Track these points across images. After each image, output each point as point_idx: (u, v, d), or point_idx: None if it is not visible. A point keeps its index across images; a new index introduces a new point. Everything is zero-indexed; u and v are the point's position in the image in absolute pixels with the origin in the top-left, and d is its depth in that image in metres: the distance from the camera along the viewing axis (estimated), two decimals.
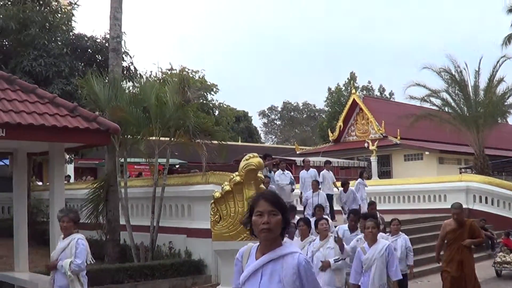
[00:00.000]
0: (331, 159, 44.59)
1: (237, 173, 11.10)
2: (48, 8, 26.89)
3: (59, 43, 25.84)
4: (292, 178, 22.71)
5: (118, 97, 19.71)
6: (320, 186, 21.84)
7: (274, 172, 22.12)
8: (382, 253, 10.28)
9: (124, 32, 24.98)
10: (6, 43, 25.82)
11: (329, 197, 22.62)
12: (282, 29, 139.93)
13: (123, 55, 25.53)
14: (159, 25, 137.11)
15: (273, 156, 24.39)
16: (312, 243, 11.62)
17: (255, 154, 11.43)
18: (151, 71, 54.49)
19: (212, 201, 11.01)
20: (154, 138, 20.46)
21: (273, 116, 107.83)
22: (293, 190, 22.45)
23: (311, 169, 23.71)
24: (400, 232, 14.28)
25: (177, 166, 43.90)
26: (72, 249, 9.93)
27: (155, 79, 38.80)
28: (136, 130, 20.03)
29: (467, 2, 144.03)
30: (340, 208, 23.29)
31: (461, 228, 13.01)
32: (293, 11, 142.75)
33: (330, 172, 24.46)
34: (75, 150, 22.04)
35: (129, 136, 20.21)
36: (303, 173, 23.72)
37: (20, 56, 24.28)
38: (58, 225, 13.74)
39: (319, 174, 23.49)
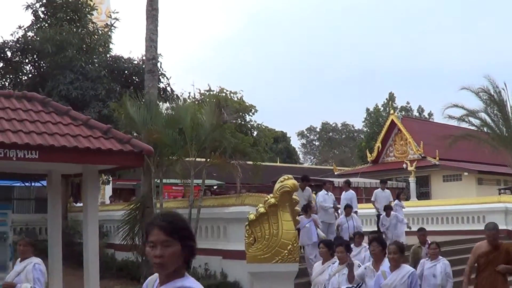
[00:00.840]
0: (369, 180, 44.22)
1: (271, 195, 10.95)
2: (85, 30, 27.13)
3: (96, 65, 26.03)
4: (334, 199, 22.43)
5: (154, 119, 19.68)
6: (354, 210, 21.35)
7: (315, 193, 21.88)
8: (404, 280, 9.51)
9: (160, 54, 25.12)
10: (43, 65, 26.08)
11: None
12: (321, 49, 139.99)
13: (160, 77, 25.65)
14: (197, 45, 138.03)
15: (312, 178, 24.12)
16: (331, 266, 11.26)
17: (290, 176, 11.28)
18: (189, 92, 54.76)
19: (247, 223, 10.86)
20: (190, 159, 20.38)
21: (311, 137, 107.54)
22: (336, 210, 22.04)
23: (350, 190, 23.24)
24: (440, 257, 13.57)
25: (214, 187, 43.84)
26: (28, 274, 9.73)
27: (193, 100, 38.84)
28: (172, 152, 19.98)
29: (505, 23, 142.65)
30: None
31: (496, 251, 11.61)
32: (332, 31, 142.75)
33: (387, 191, 24.03)
34: (112, 171, 22.06)
35: (165, 157, 20.15)
36: (342, 194, 23.34)
37: (57, 79, 24.46)
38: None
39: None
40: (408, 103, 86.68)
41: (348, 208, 20.71)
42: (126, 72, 26.68)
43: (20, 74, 26.30)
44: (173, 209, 21.06)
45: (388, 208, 22.06)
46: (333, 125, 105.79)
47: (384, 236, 21.25)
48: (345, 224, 20.27)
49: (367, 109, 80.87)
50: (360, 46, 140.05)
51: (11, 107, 13.32)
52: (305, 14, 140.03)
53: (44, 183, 26.13)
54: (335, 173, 55.94)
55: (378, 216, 22.92)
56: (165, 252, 3.62)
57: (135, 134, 20.22)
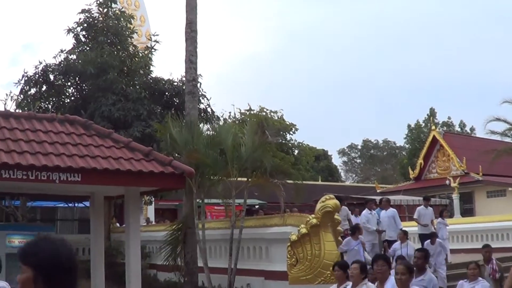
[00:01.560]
0: (412, 198, 43.76)
1: (313, 215, 10.88)
2: (126, 52, 27.40)
3: (137, 87, 26.24)
4: (379, 217, 22.08)
5: (195, 140, 19.74)
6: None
7: (355, 212, 21.65)
8: None
9: (200, 75, 25.24)
10: (85, 87, 26.38)
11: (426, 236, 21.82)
12: (361, 66, 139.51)
13: (200, 98, 25.75)
14: (237, 64, 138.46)
15: (353, 196, 23.85)
16: None
17: (331, 196, 11.24)
18: (229, 112, 54.93)
19: (289, 244, 10.81)
20: (231, 179, 20.37)
21: (353, 154, 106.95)
22: (379, 230, 21.71)
23: (390, 208, 22.77)
24: (480, 278, 12.50)
25: (256, 206, 43.78)
26: None
27: (234, 120, 38.96)
28: (213, 172, 20.00)
29: None
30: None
31: None
32: (371, 48, 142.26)
33: (430, 208, 23.57)
34: (154, 193, 22.17)
35: (206, 178, 20.18)
36: (381, 212, 22.79)
37: (99, 101, 24.72)
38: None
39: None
40: (449, 118, 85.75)
41: (403, 234, 19.54)
42: (166, 93, 26.85)
43: (63, 96, 26.61)
44: (215, 229, 21.13)
45: (433, 236, 21.15)
46: (375, 142, 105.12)
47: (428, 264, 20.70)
48: (399, 251, 19.27)
49: (408, 125, 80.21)
50: (400, 61, 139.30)
51: (54, 131, 13.51)
52: (344, 31, 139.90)
53: (87, 204, 26.43)
54: (377, 191, 55.49)
55: (421, 236, 22.40)
56: (20, 279, 3.25)
57: (176, 155, 20.32)
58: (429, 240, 20.52)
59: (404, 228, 20.89)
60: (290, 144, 64.63)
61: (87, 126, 14.19)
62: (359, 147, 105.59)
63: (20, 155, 11.91)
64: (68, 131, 13.76)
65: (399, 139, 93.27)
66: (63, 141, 13.11)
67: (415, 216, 22.83)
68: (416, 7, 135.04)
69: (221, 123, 27.33)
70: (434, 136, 54.96)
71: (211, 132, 22.72)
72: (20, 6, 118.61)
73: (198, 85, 24.65)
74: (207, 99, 27.21)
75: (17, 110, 25.03)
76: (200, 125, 23.64)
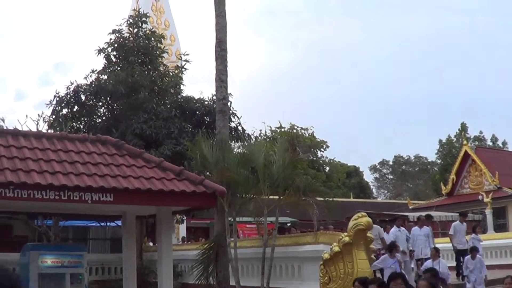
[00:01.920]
0: (445, 213, 43.37)
1: (346, 233, 10.80)
2: (156, 72, 27.55)
3: (168, 106, 26.35)
4: (408, 234, 21.83)
5: (226, 158, 19.74)
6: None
7: (387, 229, 21.41)
8: None
9: (230, 93, 25.28)
10: (116, 107, 26.55)
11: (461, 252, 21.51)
12: (391, 80, 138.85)
13: (230, 116, 25.78)
14: (267, 81, 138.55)
15: (385, 212, 23.60)
16: None
17: (364, 214, 11.16)
18: (260, 130, 54.96)
19: (321, 262, 10.72)
20: (263, 197, 20.31)
21: (384, 171, 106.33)
22: (410, 250, 21.45)
23: (424, 226, 22.44)
24: None
25: (288, 224, 43.61)
26: None
27: (264, 137, 38.91)
28: (245, 190, 19.96)
29: None
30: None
31: None
32: (402, 62, 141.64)
33: (465, 224, 23.23)
34: (186, 212, 22.18)
35: (238, 196, 20.14)
36: (415, 230, 22.40)
37: (130, 119, 24.86)
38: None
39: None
40: (481, 132, 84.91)
41: (435, 252, 19.34)
42: (197, 112, 26.92)
43: (94, 116, 26.81)
44: (247, 248, 21.05)
45: (474, 250, 20.75)
46: (406, 158, 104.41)
47: (466, 279, 20.27)
48: None
49: (440, 141, 79.63)
50: (431, 76, 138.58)
51: (86, 151, 13.59)
52: (376, 46, 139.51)
53: (119, 223, 26.53)
54: (410, 207, 55.10)
55: (457, 252, 22.09)
56: None
57: (207, 173, 20.31)
58: (469, 255, 20.22)
59: (436, 245, 20.69)
60: (321, 161, 64.52)
61: (118, 146, 14.25)
62: (391, 163, 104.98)
63: (52, 175, 11.97)
64: (100, 151, 13.83)
65: (431, 154, 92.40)
66: (95, 161, 13.17)
67: (450, 232, 22.57)
68: (447, 23, 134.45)
69: (252, 141, 27.25)
70: (466, 151, 54.50)
71: (242, 150, 22.74)
72: (51, 25, 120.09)
73: (229, 103, 24.73)
74: (238, 117, 27.25)
75: (49, 131, 25.26)
76: (231, 144, 23.67)
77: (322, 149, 64.93)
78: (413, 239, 21.73)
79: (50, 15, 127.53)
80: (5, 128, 23.57)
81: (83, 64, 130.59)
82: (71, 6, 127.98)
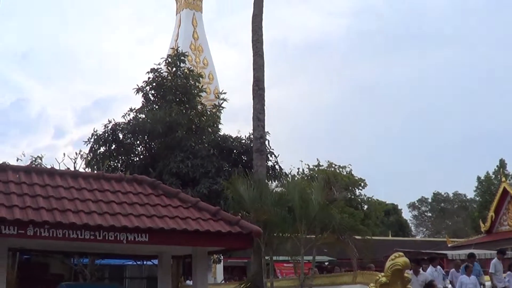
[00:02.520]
0: (483, 251, 42.62)
1: (383, 273, 10.63)
2: (194, 111, 27.61)
3: (206, 144, 26.36)
4: (444, 273, 21.40)
5: (263, 198, 19.63)
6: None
7: (423, 269, 20.95)
8: None
9: (268, 132, 25.25)
10: (154, 146, 26.62)
11: None
12: (427, 117, 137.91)
13: (268, 155, 25.72)
14: (305, 119, 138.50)
15: (424, 251, 23.16)
16: None
17: (401, 254, 10.98)
18: (298, 168, 54.76)
19: None
20: (300, 235, 20.15)
21: (423, 208, 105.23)
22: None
23: (472, 276, 20.99)
24: None
25: (326, 263, 43.25)
26: None
27: (302, 176, 38.75)
28: (281, 230, 19.82)
29: None
30: None
31: None
32: (438, 97, 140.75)
33: (501, 261, 22.70)
34: (222, 252, 22.07)
35: (274, 235, 19.99)
36: (464, 278, 20.98)
37: (167, 158, 24.90)
38: None
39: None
40: None
41: None
42: (234, 151, 26.88)
43: (132, 155, 26.88)
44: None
45: None
46: (445, 195, 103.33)
47: None
48: None
49: (478, 178, 78.71)
50: (468, 112, 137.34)
51: (122, 191, 13.60)
52: (411, 82, 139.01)
53: (156, 261, 26.46)
54: (449, 245, 54.42)
55: None
56: None
57: (244, 213, 20.23)
58: None
59: None
60: (359, 200, 64.12)
61: (155, 185, 14.25)
62: (430, 200, 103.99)
63: (88, 215, 11.96)
64: (136, 191, 13.83)
65: (470, 191, 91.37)
66: (131, 201, 13.16)
67: (491, 270, 22.09)
68: (483, 57, 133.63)
69: (289, 179, 27.10)
70: (504, 188, 53.75)
71: (279, 190, 22.61)
72: (91, 63, 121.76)
73: (266, 142, 24.69)
74: (275, 156, 27.16)
75: (86, 169, 25.40)
76: (268, 183, 23.57)
77: (360, 187, 64.53)
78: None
79: (90, 53, 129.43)
80: (43, 166, 23.80)
81: (123, 102, 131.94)
82: (113, 44, 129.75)
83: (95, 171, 23.06)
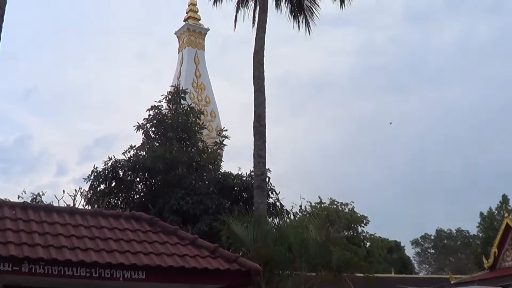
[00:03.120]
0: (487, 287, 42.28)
1: None
2: (195, 148, 27.58)
3: (206, 182, 26.29)
4: None
5: (263, 235, 19.51)
6: None
7: None
8: None
9: (269, 169, 25.19)
10: (154, 183, 26.53)
11: None
12: (430, 153, 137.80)
13: (269, 192, 25.62)
14: (306, 155, 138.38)
15: None
16: None
17: None
18: (300, 206, 54.45)
19: None
20: (301, 274, 19.99)
21: (426, 245, 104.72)
22: None
23: None
24: None
25: None
26: None
27: (304, 213, 38.52)
28: (282, 267, 19.67)
29: None
30: None
31: None
32: (440, 135, 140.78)
33: None
34: None
35: (275, 273, 19.83)
36: None
37: (168, 196, 24.80)
38: None
39: None
40: None
41: None
42: (235, 188, 26.80)
43: (132, 192, 26.78)
44: None
45: None
46: (448, 231, 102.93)
47: None
48: None
49: (481, 213, 78.40)
50: (470, 148, 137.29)
51: (119, 227, 13.47)
52: (413, 119, 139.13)
53: None
54: (452, 281, 54.01)
55: None
56: None
57: (244, 250, 20.09)
58: None
59: None
60: (361, 237, 63.77)
61: (153, 222, 14.12)
62: (432, 237, 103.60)
63: (84, 252, 11.82)
64: (133, 227, 13.69)
65: (473, 227, 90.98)
66: (128, 238, 13.02)
67: None
68: (485, 96, 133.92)
69: (291, 216, 27.04)
70: (507, 224, 53.27)
71: (279, 228, 22.47)
72: (93, 101, 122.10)
73: (267, 179, 24.61)
74: (276, 193, 27.06)
75: (86, 206, 25.29)
76: (269, 220, 23.44)
77: (363, 224, 64.29)
78: None
79: (93, 91, 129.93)
80: (44, 203, 23.70)
81: (125, 140, 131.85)
82: (115, 82, 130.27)
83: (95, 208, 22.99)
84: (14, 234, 11.89)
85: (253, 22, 27.32)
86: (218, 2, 28.83)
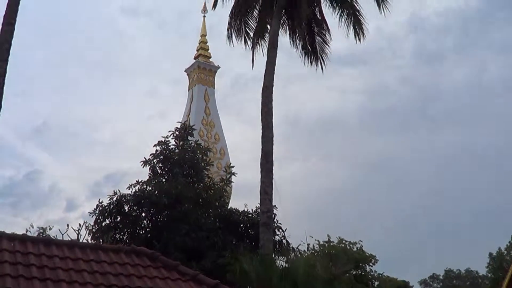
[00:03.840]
0: None
1: None
2: (202, 184, 27.38)
3: (212, 218, 26.06)
4: None
5: (268, 273, 19.22)
6: None
7: None
8: None
9: (276, 207, 24.94)
10: (159, 218, 26.27)
11: None
12: (438, 193, 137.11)
13: (275, 229, 25.35)
14: (314, 194, 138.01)
15: None
16: None
17: None
18: (308, 244, 53.96)
19: None
20: None
21: (435, 285, 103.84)
22: None
23: None
24: None
25: None
26: None
27: (312, 252, 38.25)
28: None
29: None
30: None
31: None
32: (448, 173, 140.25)
33: None
34: None
35: None
36: None
37: (173, 231, 24.53)
38: None
39: None
40: None
41: None
42: (241, 225, 26.54)
43: (137, 228, 26.47)
44: None
45: None
46: (457, 271, 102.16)
47: None
48: None
49: (490, 254, 77.83)
50: (478, 189, 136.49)
51: (119, 262, 13.29)
52: (423, 159, 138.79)
53: None
54: None
55: None
56: None
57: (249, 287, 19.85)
58: None
59: None
60: (370, 276, 63.23)
61: (154, 257, 13.91)
62: (441, 277, 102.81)
63: (82, 286, 11.66)
64: (134, 262, 13.49)
65: (482, 268, 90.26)
66: (128, 272, 12.82)
67: None
68: (494, 137, 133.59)
69: (298, 254, 26.69)
70: None
71: (285, 265, 22.20)
72: (104, 138, 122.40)
73: (273, 216, 24.35)
74: (283, 230, 26.72)
75: (91, 241, 25.03)
76: (275, 257, 23.16)
77: (371, 263, 63.80)
78: None
79: (102, 127, 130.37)
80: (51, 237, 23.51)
81: (134, 176, 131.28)
82: (125, 118, 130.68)
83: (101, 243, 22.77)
84: (11, 267, 11.73)
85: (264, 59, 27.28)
86: (231, 41, 28.79)
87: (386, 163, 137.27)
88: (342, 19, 27.62)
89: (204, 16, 53.34)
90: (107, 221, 26.04)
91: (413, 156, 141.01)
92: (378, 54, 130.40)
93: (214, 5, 28.83)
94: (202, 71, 52.10)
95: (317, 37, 28.74)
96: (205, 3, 51.31)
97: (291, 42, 28.66)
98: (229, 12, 28.44)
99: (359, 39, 27.38)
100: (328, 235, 64.33)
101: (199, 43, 53.66)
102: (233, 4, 28.29)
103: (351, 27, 27.39)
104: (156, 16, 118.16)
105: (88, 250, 13.61)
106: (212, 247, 24.47)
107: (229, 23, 28.57)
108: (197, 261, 23.43)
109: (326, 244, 51.98)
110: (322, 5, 28.31)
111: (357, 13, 27.45)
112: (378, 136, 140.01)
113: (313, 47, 28.66)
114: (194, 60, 52.35)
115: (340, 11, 27.67)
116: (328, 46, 28.77)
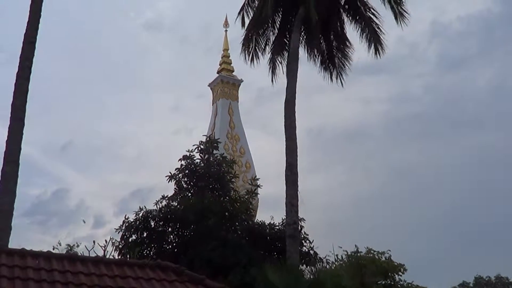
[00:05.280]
0: None
1: None
2: (227, 198, 27.28)
3: (239, 232, 25.95)
4: None
5: (296, 285, 19.10)
6: None
7: None
8: None
9: (303, 218, 24.85)
10: (186, 233, 26.20)
11: None
12: (466, 198, 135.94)
13: (302, 241, 25.22)
14: (341, 204, 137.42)
15: None
16: None
17: None
18: (336, 255, 53.61)
19: None
20: None
21: None
22: None
23: None
24: None
25: None
26: None
27: (341, 263, 37.96)
28: None
29: None
30: None
31: None
32: (477, 176, 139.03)
33: None
34: None
35: None
36: None
37: (199, 247, 24.42)
38: None
39: None
40: None
41: None
42: (268, 238, 26.37)
43: (164, 243, 26.42)
44: None
45: None
46: (487, 278, 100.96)
47: None
48: None
49: None
50: (506, 194, 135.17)
51: (145, 277, 13.23)
52: (448, 166, 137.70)
53: None
54: None
55: None
56: None
57: None
58: None
59: None
60: (399, 285, 62.75)
61: (179, 272, 13.83)
62: (471, 284, 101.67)
63: None
64: (159, 277, 13.41)
65: None
66: (153, 287, 12.74)
67: None
68: None
69: (326, 266, 26.53)
70: None
71: (312, 276, 22.06)
72: (129, 154, 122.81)
73: (300, 228, 24.23)
74: (310, 241, 26.57)
75: (118, 257, 25.00)
76: (302, 269, 23.04)
77: (400, 273, 63.32)
78: None
79: (129, 143, 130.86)
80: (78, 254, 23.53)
81: (160, 192, 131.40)
82: (151, 133, 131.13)
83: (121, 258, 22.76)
84: (36, 284, 11.69)
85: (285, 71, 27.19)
86: (254, 60, 28.69)
87: (412, 171, 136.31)
88: (361, 33, 27.54)
89: (226, 30, 53.52)
90: (134, 237, 26.04)
91: (438, 162, 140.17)
92: (401, 62, 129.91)
93: (243, 24, 28.50)
94: (226, 85, 52.10)
95: (338, 52, 28.62)
96: (226, 18, 51.70)
97: (308, 57, 28.56)
98: (246, 26, 28.27)
99: (379, 55, 27.26)
100: (356, 245, 64.12)
101: (221, 57, 53.70)
102: (250, 18, 28.17)
103: (372, 44, 27.26)
104: (179, 31, 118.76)
105: (113, 266, 13.57)
106: (238, 263, 24.31)
107: (248, 37, 28.43)
108: (225, 277, 23.31)
109: (354, 254, 51.82)
110: (345, 24, 28.27)
111: (375, 27, 27.35)
112: (403, 144, 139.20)
113: (332, 61, 28.54)
114: (217, 75, 52.39)
115: (359, 27, 27.61)
116: (348, 61, 28.65)
